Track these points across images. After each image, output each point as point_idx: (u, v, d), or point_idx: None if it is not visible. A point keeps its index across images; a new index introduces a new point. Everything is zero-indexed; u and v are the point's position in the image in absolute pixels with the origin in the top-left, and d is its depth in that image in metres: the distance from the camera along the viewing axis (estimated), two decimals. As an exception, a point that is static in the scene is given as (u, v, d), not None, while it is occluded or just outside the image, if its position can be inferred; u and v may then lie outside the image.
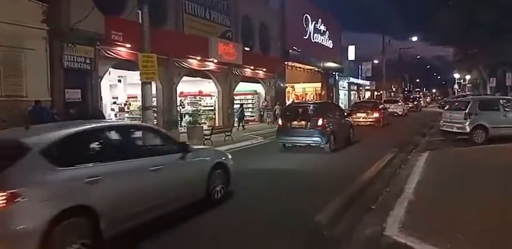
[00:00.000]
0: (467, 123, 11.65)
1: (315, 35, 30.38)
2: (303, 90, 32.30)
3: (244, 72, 20.79)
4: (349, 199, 5.98)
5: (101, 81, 12.57)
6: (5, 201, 3.32)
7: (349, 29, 56.75)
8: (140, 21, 9.90)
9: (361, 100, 38.12)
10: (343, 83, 39.00)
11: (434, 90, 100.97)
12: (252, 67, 21.27)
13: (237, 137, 14.53)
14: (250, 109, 23.74)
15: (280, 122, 12.09)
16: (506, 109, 11.90)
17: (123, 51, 12.65)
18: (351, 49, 39.48)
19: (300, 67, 28.06)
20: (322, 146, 11.03)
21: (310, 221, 4.93)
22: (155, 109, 14.25)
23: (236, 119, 19.70)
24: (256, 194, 6.58)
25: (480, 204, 5.12)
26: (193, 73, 17.05)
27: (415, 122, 22.52)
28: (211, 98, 20.66)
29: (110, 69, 13.57)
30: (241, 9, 20.72)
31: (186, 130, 13.83)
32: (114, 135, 4.91)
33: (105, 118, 11.91)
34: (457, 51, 39.60)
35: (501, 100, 12.57)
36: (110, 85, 17.59)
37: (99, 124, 5.11)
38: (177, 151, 5.34)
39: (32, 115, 9.70)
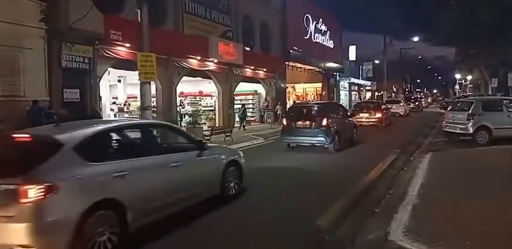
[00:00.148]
0: (470, 123, 11.50)
1: (316, 35, 30.25)
2: (304, 90, 32.23)
3: (245, 72, 20.67)
4: (352, 202, 5.88)
5: (99, 80, 12.45)
6: (43, 193, 3.50)
7: (350, 29, 56.75)
8: (139, 20, 9.79)
9: (362, 100, 38.07)
10: (344, 83, 38.88)
11: (435, 91, 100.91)
12: (252, 67, 21.15)
13: (237, 138, 14.41)
14: (251, 110, 23.62)
15: (284, 122, 12.16)
16: (510, 109, 11.74)
17: (122, 50, 12.54)
18: (352, 50, 39.41)
19: (300, 68, 27.95)
20: (326, 146, 11.08)
21: (316, 220, 4.97)
22: (154, 109, 14.14)
23: (238, 119, 19.61)
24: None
25: (486, 207, 4.97)
26: (193, 73, 16.93)
27: (417, 122, 22.50)
28: (211, 98, 20.56)
29: (110, 69, 13.46)
30: (241, 9, 20.60)
31: (185, 131, 13.70)
32: (137, 133, 5.19)
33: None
34: (459, 51, 39.47)
35: (504, 101, 12.41)
36: (110, 85, 17.51)
37: (124, 122, 5.63)
38: (194, 149, 5.59)
39: (30, 115, 9.62)
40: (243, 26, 21.04)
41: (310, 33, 29.30)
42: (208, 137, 12.76)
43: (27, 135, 4.39)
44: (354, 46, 39.47)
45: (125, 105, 18.28)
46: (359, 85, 45.01)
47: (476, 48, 31.45)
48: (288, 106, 23.90)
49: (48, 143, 4.05)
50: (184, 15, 16.40)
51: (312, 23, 29.40)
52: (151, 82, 10.65)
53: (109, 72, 13.95)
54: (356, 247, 4.15)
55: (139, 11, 9.93)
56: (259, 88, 24.01)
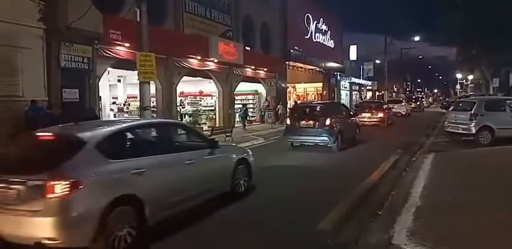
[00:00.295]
0: (473, 123, 11.42)
1: (317, 34, 30.16)
2: (304, 90, 32.16)
3: (245, 71, 20.58)
4: (355, 203, 5.81)
5: (99, 80, 12.36)
6: (68, 189, 3.66)
7: (350, 28, 56.56)
8: (138, 19, 9.70)
9: (364, 100, 38.00)
10: (345, 83, 38.78)
11: (435, 90, 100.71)
12: (253, 67, 21.06)
13: (238, 138, 14.32)
14: (251, 110, 23.55)
15: (288, 121, 12.29)
16: (513, 109, 11.64)
17: (121, 50, 12.45)
18: (353, 49, 39.33)
19: (301, 67, 27.84)
20: (329, 145, 11.18)
21: (320, 222, 4.98)
22: (154, 109, 14.06)
23: (239, 119, 19.51)
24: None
25: (492, 209, 4.88)
26: (194, 73, 16.84)
27: (418, 122, 22.49)
28: (211, 98, 20.46)
29: (109, 69, 13.38)
30: (242, 9, 20.50)
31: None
32: (153, 131, 5.46)
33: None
34: (460, 51, 39.34)
35: (507, 101, 12.29)
36: (110, 85, 17.42)
37: (141, 121, 6.01)
38: (206, 147, 5.78)
39: (29, 115, 9.53)
40: (244, 26, 20.94)
41: (311, 32, 29.21)
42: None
43: (52, 134, 4.63)
44: (355, 46, 39.38)
45: (124, 104, 18.20)
46: (360, 85, 44.91)
47: (478, 48, 31.34)
48: (288, 106, 23.88)
49: (71, 141, 4.22)
50: (185, 14, 16.30)
51: (313, 23, 29.30)
52: (151, 82, 10.57)
53: (109, 71, 13.86)
54: (359, 251, 4.07)
55: (138, 11, 9.82)
56: (260, 88, 23.91)
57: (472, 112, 11.54)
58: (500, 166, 7.61)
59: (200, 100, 21.16)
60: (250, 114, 22.06)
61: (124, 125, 5.01)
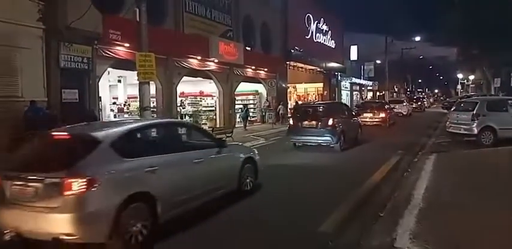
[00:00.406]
0: (475, 124, 11.31)
1: (317, 34, 30.10)
2: (305, 90, 32.08)
3: (246, 72, 20.52)
4: (357, 205, 5.76)
5: (99, 81, 12.30)
6: (85, 186, 3.78)
7: (351, 29, 56.46)
8: (138, 19, 9.66)
9: (366, 100, 37.93)
10: (346, 83, 38.70)
11: (436, 91, 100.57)
12: (253, 67, 21.00)
13: (238, 139, 14.24)
14: (252, 110, 23.49)
15: (291, 122, 12.34)
16: (515, 110, 11.55)
17: (121, 50, 12.40)
18: (353, 50, 39.23)
19: (301, 67, 27.78)
20: (332, 145, 11.20)
21: (322, 224, 4.97)
22: (154, 109, 14.00)
23: (239, 119, 19.44)
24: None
25: (496, 211, 4.81)
26: (194, 73, 16.78)
27: (420, 122, 22.46)
28: (212, 98, 20.41)
29: (109, 69, 13.32)
30: (242, 8, 20.45)
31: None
32: (164, 131, 5.59)
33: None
34: (461, 51, 39.25)
35: (509, 101, 12.19)
36: (110, 85, 17.35)
37: (152, 121, 6.25)
38: (214, 146, 5.92)
39: (28, 116, 9.48)
40: (244, 26, 20.88)
41: (312, 32, 29.15)
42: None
43: (68, 133, 4.77)
44: (356, 46, 39.29)
45: (125, 105, 18.14)
46: (360, 85, 44.81)
47: (479, 48, 31.26)
48: (289, 106, 23.82)
49: (87, 140, 4.34)
50: (185, 14, 16.25)
51: (313, 23, 29.25)
52: (151, 82, 10.51)
53: (109, 72, 13.81)
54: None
55: (137, 10, 9.77)
56: (260, 88, 23.85)
57: (474, 112, 11.44)
58: (503, 166, 7.56)
59: (200, 101, 21.09)
60: (250, 114, 22.00)
61: (136, 124, 5.20)
